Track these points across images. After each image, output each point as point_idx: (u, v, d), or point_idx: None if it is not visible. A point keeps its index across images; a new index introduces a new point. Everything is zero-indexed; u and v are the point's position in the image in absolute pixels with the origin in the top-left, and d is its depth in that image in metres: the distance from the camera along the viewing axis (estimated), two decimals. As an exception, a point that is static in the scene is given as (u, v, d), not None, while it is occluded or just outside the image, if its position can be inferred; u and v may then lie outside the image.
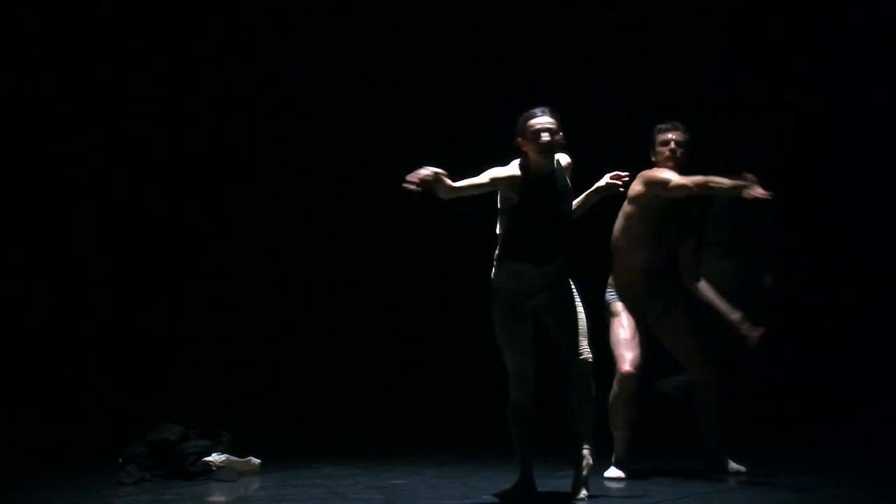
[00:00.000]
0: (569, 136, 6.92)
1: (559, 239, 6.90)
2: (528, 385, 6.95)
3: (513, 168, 6.87)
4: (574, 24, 10.99)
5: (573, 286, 6.98)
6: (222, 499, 7.27)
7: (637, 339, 7.56)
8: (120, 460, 7.76)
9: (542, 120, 6.83)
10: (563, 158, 7.00)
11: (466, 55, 11.25)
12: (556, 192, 6.87)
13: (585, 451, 6.90)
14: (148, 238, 11.37)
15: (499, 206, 6.94)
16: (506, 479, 7.30)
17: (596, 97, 10.66)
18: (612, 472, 7.59)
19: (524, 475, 7.05)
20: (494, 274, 6.96)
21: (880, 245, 10.66)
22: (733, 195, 7.36)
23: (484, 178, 6.81)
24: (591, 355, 6.90)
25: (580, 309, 6.96)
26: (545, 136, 6.80)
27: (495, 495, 7.03)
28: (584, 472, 6.92)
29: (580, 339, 6.91)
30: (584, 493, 6.90)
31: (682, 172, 7.44)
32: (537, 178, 6.85)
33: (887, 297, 10.59)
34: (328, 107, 11.49)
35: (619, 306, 7.62)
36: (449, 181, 6.69)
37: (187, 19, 11.34)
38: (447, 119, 11.18)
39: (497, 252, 6.95)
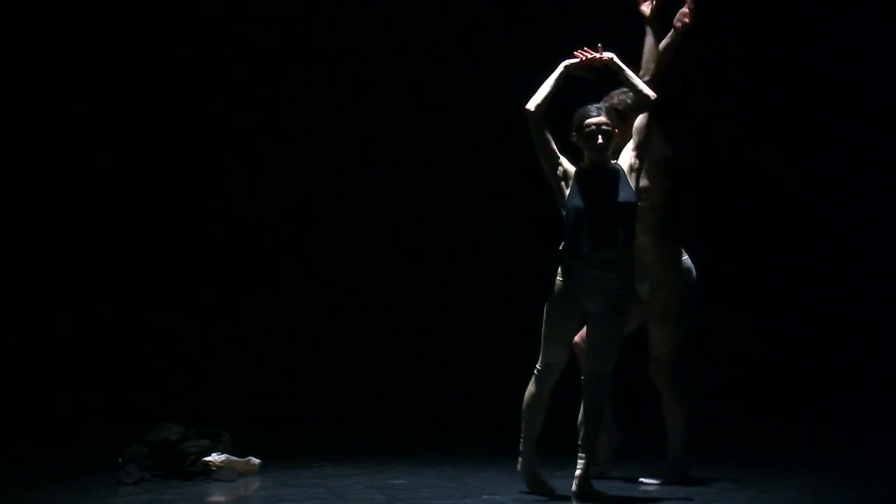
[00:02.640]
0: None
1: (613, 237, 6.85)
2: (553, 381, 6.99)
3: (568, 164, 6.95)
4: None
5: (629, 304, 6.95)
6: (222, 499, 7.27)
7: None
8: (120, 460, 7.77)
9: (597, 120, 6.88)
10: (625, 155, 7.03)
11: (468, 51, 11.27)
12: (610, 190, 6.88)
13: (581, 462, 6.93)
14: (148, 238, 11.37)
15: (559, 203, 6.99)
16: (505, 479, 7.31)
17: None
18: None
19: (530, 465, 7.07)
20: (559, 271, 6.94)
21: (876, 242, 10.68)
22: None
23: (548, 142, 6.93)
24: (610, 375, 6.91)
25: (620, 336, 6.94)
26: (600, 139, 6.86)
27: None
28: (581, 481, 6.94)
29: (611, 360, 6.88)
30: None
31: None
32: (590, 174, 6.91)
33: (885, 296, 10.59)
34: (330, 106, 11.49)
35: None
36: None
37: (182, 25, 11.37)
38: (451, 118, 11.19)
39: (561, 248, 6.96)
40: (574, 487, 6.94)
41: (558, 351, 6.95)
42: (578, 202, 6.85)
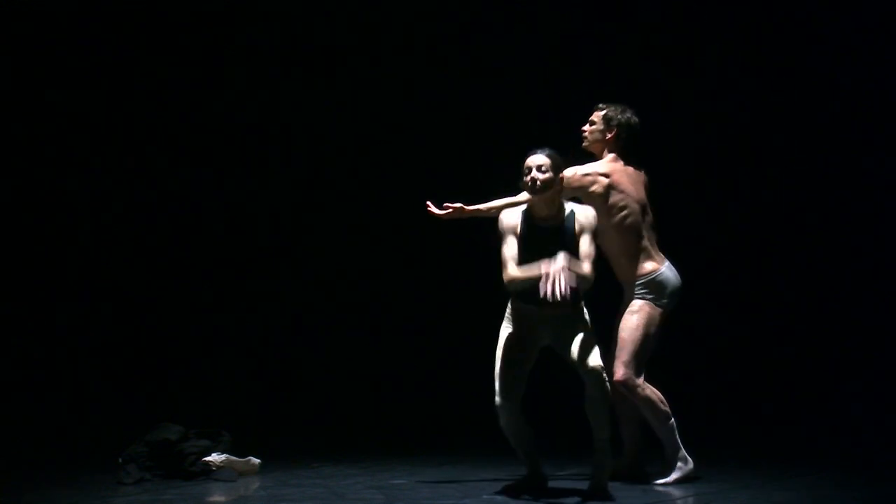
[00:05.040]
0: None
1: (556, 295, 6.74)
2: (511, 404, 6.95)
3: (516, 212, 6.98)
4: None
5: (586, 317, 6.98)
6: (222, 499, 7.28)
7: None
8: (120, 460, 7.77)
9: (533, 160, 6.89)
10: (584, 211, 6.98)
11: (468, 51, 11.27)
12: (555, 238, 6.85)
13: (602, 457, 6.95)
14: (148, 238, 11.38)
15: None
16: (505, 480, 7.31)
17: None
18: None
19: (532, 471, 7.13)
20: (510, 301, 7.06)
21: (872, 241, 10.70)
22: None
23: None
24: (601, 363, 6.89)
25: (591, 334, 6.95)
26: (528, 176, 6.87)
27: (505, 490, 7.09)
28: (603, 477, 6.96)
29: (590, 353, 6.90)
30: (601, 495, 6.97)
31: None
32: (536, 221, 6.92)
33: (885, 296, 10.59)
34: (330, 106, 11.49)
35: None
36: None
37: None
38: (451, 118, 11.20)
39: None
40: (588, 486, 7.00)
41: (505, 376, 6.94)
42: (525, 251, 6.84)
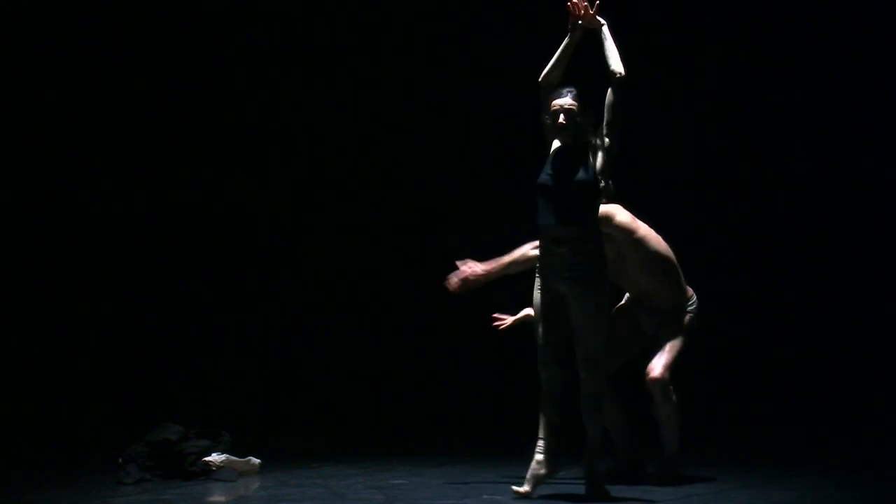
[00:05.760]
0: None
1: (573, 210, 6.92)
2: (549, 367, 6.98)
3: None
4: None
5: (601, 281, 7.00)
6: (222, 499, 7.28)
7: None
8: (120, 460, 7.77)
9: (562, 101, 6.99)
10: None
11: (468, 51, 11.27)
12: (573, 168, 6.94)
13: (593, 454, 6.96)
14: (148, 238, 11.37)
15: None
16: (505, 479, 7.31)
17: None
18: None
19: (546, 447, 7.06)
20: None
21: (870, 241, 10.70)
22: None
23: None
24: (595, 357, 6.92)
25: (602, 321, 6.96)
26: (561, 119, 6.96)
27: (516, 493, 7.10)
28: (598, 476, 6.97)
29: (592, 345, 6.92)
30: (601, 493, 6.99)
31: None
32: (562, 151, 7.02)
33: (885, 296, 10.59)
34: (330, 106, 11.49)
35: None
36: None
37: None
38: (451, 118, 11.20)
39: None
40: (585, 486, 7.00)
41: (540, 330, 7.00)
42: (544, 178, 7.00)
